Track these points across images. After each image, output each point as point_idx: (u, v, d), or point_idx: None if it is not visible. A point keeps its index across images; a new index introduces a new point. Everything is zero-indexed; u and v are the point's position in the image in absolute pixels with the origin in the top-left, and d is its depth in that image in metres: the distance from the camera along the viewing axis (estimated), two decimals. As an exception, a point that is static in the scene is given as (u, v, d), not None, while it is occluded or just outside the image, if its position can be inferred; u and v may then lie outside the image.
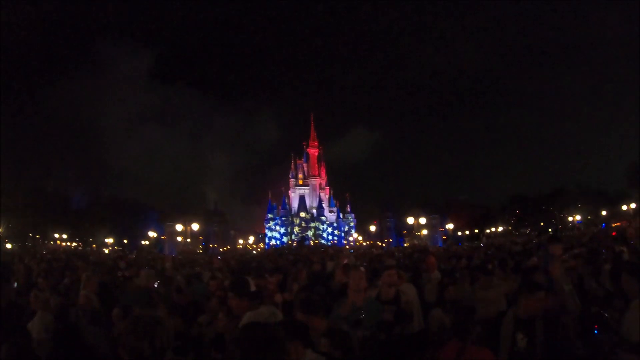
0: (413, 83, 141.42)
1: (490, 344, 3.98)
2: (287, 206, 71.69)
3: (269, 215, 71.57)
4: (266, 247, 67.43)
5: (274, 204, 72.21)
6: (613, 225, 36.70)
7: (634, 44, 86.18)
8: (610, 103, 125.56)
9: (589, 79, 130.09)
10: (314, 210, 70.75)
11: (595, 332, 4.28)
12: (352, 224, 73.90)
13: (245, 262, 18.77)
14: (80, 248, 53.58)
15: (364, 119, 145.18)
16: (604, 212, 54.28)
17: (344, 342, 3.35)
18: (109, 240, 59.47)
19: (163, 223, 56.97)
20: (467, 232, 68.16)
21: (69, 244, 58.55)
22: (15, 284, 7.74)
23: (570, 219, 59.54)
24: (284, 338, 1.85)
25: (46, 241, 56.62)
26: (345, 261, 15.30)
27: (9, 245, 43.93)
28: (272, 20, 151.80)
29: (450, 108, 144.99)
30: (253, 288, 4.42)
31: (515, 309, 4.11)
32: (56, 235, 57.39)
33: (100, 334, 5.37)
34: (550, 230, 58.47)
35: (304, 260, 14.72)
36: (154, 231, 57.35)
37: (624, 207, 47.79)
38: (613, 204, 54.04)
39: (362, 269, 10.60)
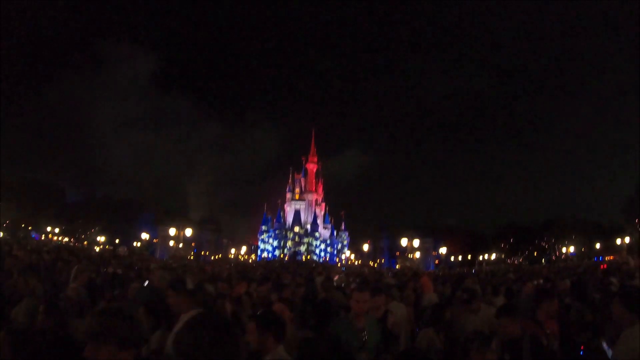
0: (413, 109, 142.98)
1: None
2: (282, 219, 71.32)
3: (263, 227, 71.14)
4: (258, 258, 66.98)
5: (269, 216, 71.83)
6: (606, 258, 36.62)
7: (632, 79, 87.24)
8: (609, 137, 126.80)
9: (588, 111, 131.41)
10: (309, 226, 70.37)
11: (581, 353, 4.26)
12: (345, 242, 73.41)
13: (245, 270, 18.71)
14: (71, 243, 53.29)
15: (363, 140, 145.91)
16: (597, 245, 54.26)
17: (312, 350, 3.25)
18: (101, 239, 59.13)
19: (157, 226, 56.69)
20: (459, 258, 67.99)
21: (60, 238, 58.22)
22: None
23: (564, 250, 59.44)
24: (235, 328, 1.71)
25: (37, 233, 56.32)
26: (336, 277, 15.28)
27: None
28: (279, 36, 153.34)
29: (448, 135, 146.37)
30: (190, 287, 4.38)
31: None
32: (49, 229, 57.08)
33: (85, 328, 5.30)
34: (543, 260, 58.44)
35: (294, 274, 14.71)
36: (146, 233, 57.08)
37: (618, 241, 47.72)
38: (607, 237, 54.05)
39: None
